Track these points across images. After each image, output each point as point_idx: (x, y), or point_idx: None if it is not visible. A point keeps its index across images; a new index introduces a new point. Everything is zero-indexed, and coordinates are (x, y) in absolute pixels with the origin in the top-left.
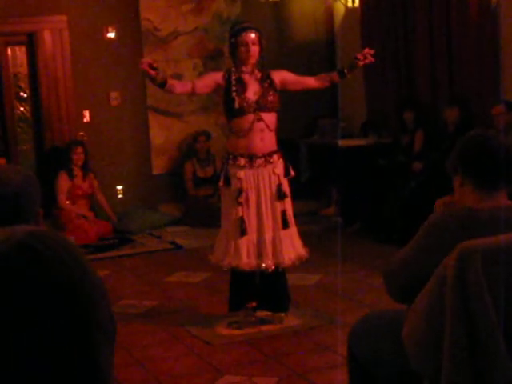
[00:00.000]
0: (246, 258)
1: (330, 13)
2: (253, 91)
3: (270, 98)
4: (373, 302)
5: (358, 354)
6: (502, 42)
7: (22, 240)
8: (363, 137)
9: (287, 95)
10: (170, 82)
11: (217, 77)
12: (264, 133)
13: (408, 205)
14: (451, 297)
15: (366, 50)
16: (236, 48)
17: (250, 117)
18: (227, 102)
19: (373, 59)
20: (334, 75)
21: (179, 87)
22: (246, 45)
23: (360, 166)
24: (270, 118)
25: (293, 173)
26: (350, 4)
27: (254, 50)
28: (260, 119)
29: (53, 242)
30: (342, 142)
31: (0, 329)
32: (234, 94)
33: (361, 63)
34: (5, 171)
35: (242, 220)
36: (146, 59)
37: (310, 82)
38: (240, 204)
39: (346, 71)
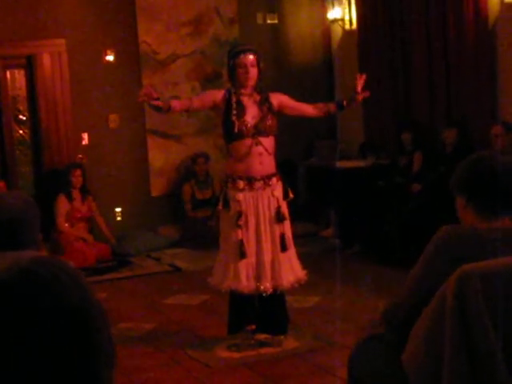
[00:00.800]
0: (245, 281)
1: (327, 35)
2: (251, 115)
3: (269, 123)
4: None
5: (358, 376)
6: (499, 63)
7: (26, 266)
8: (361, 158)
9: (286, 117)
10: (173, 104)
11: (216, 96)
12: (263, 156)
13: (407, 226)
14: (451, 320)
15: (360, 81)
16: (234, 70)
17: (249, 141)
18: (226, 126)
19: (368, 93)
20: (332, 106)
21: (179, 106)
22: (245, 67)
23: (358, 187)
24: (268, 142)
25: (292, 195)
26: (347, 26)
27: (253, 72)
28: (258, 143)
29: (56, 269)
30: (340, 164)
31: (4, 353)
32: (234, 117)
33: (360, 97)
34: (5, 197)
35: (241, 243)
36: (144, 92)
37: (308, 110)
38: (239, 227)
39: (344, 104)
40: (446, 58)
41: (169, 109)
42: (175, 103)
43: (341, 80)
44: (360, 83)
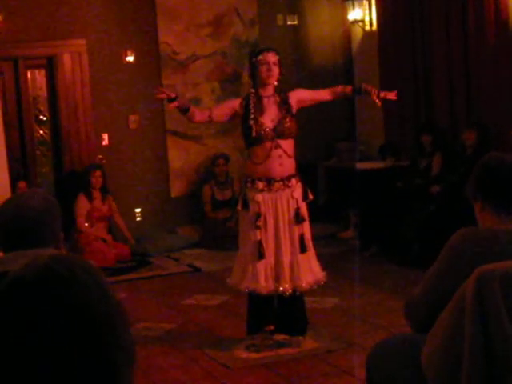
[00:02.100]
0: (263, 282)
1: (347, 36)
2: (270, 117)
3: (287, 125)
4: (391, 325)
5: (377, 377)
6: None
7: (45, 264)
8: (381, 160)
9: (306, 119)
10: (192, 109)
11: (234, 104)
12: (282, 158)
13: (425, 228)
14: (469, 321)
15: (391, 95)
16: (257, 68)
17: (268, 144)
18: (245, 131)
19: (395, 98)
20: (349, 89)
21: (198, 116)
22: (268, 64)
23: (378, 189)
24: (287, 144)
25: (311, 196)
26: (367, 28)
27: (275, 70)
28: (278, 146)
29: (76, 266)
30: (359, 165)
31: (24, 351)
32: (252, 122)
33: (374, 98)
34: (27, 196)
35: (259, 244)
36: (160, 91)
37: (325, 95)
38: (258, 228)
39: (362, 90)
40: (466, 60)
41: (187, 109)
42: (194, 110)
43: (361, 81)
44: (390, 94)
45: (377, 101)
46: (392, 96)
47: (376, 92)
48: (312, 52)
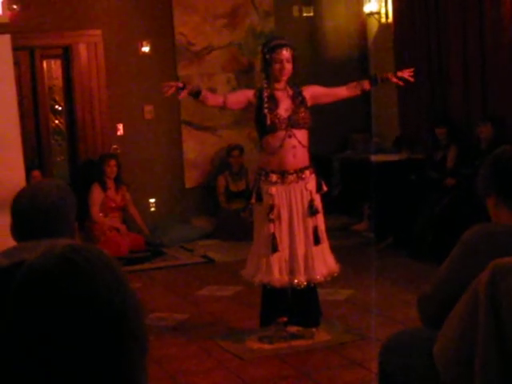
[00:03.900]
0: (277, 275)
1: (363, 28)
2: (284, 108)
3: (302, 115)
4: (404, 318)
5: (390, 370)
6: None
7: (62, 253)
8: (396, 152)
9: (321, 111)
10: (204, 93)
11: (249, 94)
12: (296, 149)
13: (440, 221)
14: (483, 314)
15: (407, 72)
16: (270, 65)
17: (282, 133)
18: (259, 119)
19: (412, 79)
20: (366, 83)
21: (211, 100)
22: (281, 62)
23: (392, 181)
24: (301, 134)
25: (325, 188)
26: (383, 20)
27: (288, 67)
28: (291, 136)
29: (92, 256)
30: (374, 158)
31: (39, 339)
32: (266, 110)
33: (394, 80)
34: (42, 185)
35: (273, 236)
36: (168, 87)
37: (341, 92)
38: (271, 220)
39: (378, 79)
40: (482, 53)
41: (199, 92)
42: (207, 94)
43: (377, 73)
44: (405, 72)
45: (396, 81)
46: (409, 74)
47: (392, 75)
48: (327, 44)
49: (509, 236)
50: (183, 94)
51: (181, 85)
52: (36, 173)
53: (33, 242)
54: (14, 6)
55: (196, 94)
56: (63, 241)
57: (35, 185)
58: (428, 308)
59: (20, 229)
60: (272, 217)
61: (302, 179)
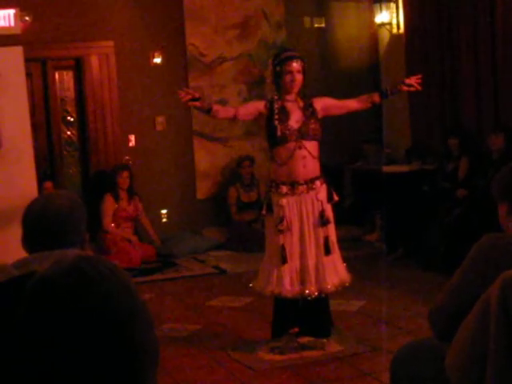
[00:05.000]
0: (288, 286)
1: (374, 39)
2: (295, 119)
3: (312, 126)
4: (416, 329)
5: (401, 381)
6: None
7: (72, 263)
8: (407, 163)
9: (332, 121)
10: (215, 107)
11: (259, 105)
12: (306, 160)
13: (452, 232)
14: (494, 326)
15: (414, 79)
16: (281, 77)
17: (292, 144)
18: (269, 131)
19: (419, 87)
20: (376, 96)
21: (222, 113)
22: (292, 74)
23: (404, 192)
24: (311, 145)
25: (336, 198)
26: (394, 30)
27: (299, 78)
28: (302, 147)
29: (102, 267)
30: (386, 168)
31: (50, 349)
32: (277, 122)
33: (405, 88)
34: (54, 196)
35: (282, 248)
36: (185, 93)
37: (352, 104)
38: (281, 232)
39: (388, 92)
40: (494, 63)
41: (210, 109)
42: (218, 107)
43: (388, 84)
44: (413, 79)
45: (407, 89)
46: (416, 80)
47: (402, 85)
48: (339, 55)
49: None
50: (192, 104)
51: (197, 95)
52: (48, 184)
53: (44, 252)
54: (27, 18)
55: (207, 112)
56: (73, 252)
57: (46, 196)
58: (439, 320)
59: (31, 240)
60: (281, 228)
61: (313, 189)
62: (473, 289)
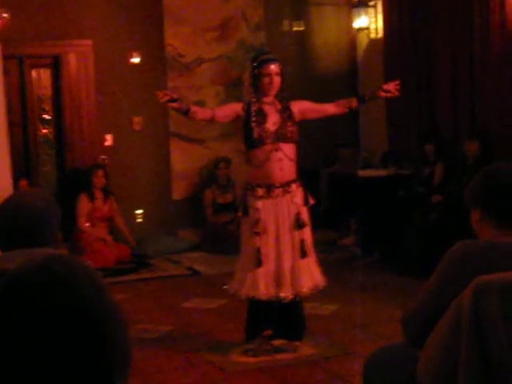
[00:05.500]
0: (263, 289)
1: (353, 43)
2: (272, 122)
3: (289, 129)
4: (390, 334)
5: None
6: None
7: (42, 262)
8: (383, 167)
9: (309, 125)
10: (193, 109)
11: (237, 107)
12: (283, 162)
13: (427, 237)
14: (466, 331)
15: (392, 85)
16: (259, 79)
17: (269, 147)
18: (246, 133)
19: (397, 93)
20: (353, 101)
21: (200, 114)
22: (270, 76)
23: (380, 196)
24: (288, 148)
25: (312, 201)
26: (373, 35)
27: (277, 81)
28: (278, 149)
29: (72, 266)
30: (362, 172)
31: (21, 349)
32: (254, 124)
33: (382, 95)
34: (27, 195)
35: (258, 251)
36: (163, 94)
37: (329, 108)
38: (256, 234)
39: (366, 98)
40: (470, 70)
41: (188, 111)
42: (196, 109)
43: (365, 88)
44: (391, 85)
45: (384, 95)
46: (394, 86)
47: (379, 91)
48: (317, 58)
49: (492, 252)
50: (170, 105)
51: (175, 96)
52: (23, 182)
53: (16, 251)
54: (4, 15)
55: (184, 113)
56: (45, 250)
57: (19, 195)
58: (412, 326)
59: (3, 238)
60: (257, 231)
61: (289, 192)
62: (445, 295)
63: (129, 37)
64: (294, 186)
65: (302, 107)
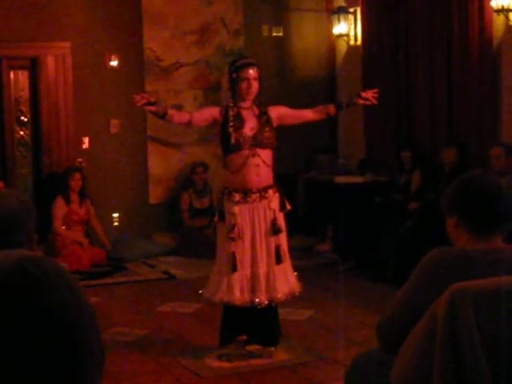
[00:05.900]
0: (238, 294)
1: (332, 50)
2: (250, 127)
3: (267, 135)
4: (364, 340)
5: None
6: (501, 84)
7: (16, 263)
8: (360, 174)
9: (287, 130)
10: (170, 112)
11: (214, 112)
12: (260, 168)
13: (403, 244)
14: (441, 338)
15: (371, 93)
16: (237, 83)
17: (246, 152)
18: (223, 137)
19: (375, 101)
20: (331, 108)
21: (177, 117)
22: (248, 80)
23: (356, 203)
24: (265, 154)
25: (289, 206)
26: (352, 42)
27: (255, 85)
28: (256, 154)
29: (46, 267)
30: (339, 179)
31: None
32: (231, 129)
33: (361, 102)
34: (2, 196)
35: (233, 256)
36: (141, 97)
37: (307, 114)
38: (232, 239)
39: (344, 105)
40: (448, 78)
41: (164, 114)
42: (173, 112)
43: (344, 95)
44: (369, 93)
45: (363, 102)
46: (372, 94)
47: (358, 98)
48: (296, 64)
49: (467, 260)
50: (147, 108)
51: (152, 100)
52: (0, 184)
53: None
54: None
55: (161, 117)
56: (19, 252)
57: None
58: (387, 333)
59: None
60: (233, 236)
61: (266, 198)
62: (420, 302)
63: (108, 40)
64: (270, 191)
65: (280, 113)
